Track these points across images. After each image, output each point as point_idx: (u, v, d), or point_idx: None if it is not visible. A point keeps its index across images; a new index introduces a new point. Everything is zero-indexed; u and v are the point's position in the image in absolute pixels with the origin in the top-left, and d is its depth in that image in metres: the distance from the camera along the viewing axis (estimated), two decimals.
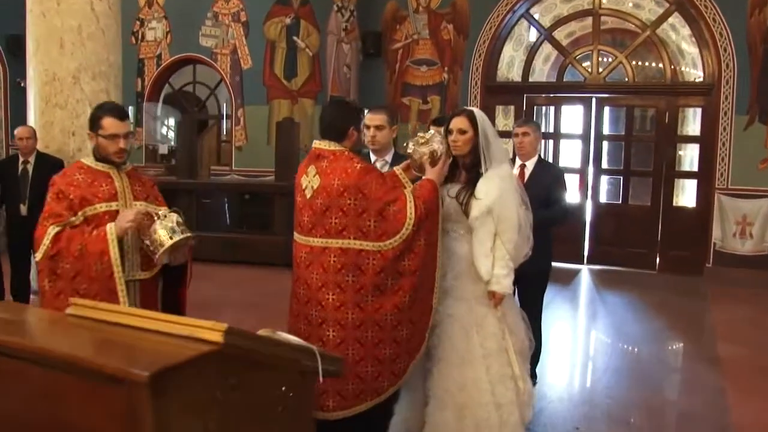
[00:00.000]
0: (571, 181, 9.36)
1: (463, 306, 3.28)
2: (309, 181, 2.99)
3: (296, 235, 3.07)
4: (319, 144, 3.04)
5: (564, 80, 9.49)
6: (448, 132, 3.37)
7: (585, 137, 9.16)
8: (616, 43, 10.07)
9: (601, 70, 9.12)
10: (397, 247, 2.89)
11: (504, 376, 3.23)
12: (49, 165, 5.42)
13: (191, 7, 9.98)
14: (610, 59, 9.31)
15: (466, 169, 3.37)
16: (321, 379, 2.29)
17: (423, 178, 3.12)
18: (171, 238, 2.70)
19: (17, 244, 5.48)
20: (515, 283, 4.33)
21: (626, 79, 9.31)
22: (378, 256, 2.88)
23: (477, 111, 3.34)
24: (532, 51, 9.62)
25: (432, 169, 3.17)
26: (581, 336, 6.19)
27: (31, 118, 5.91)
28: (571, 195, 9.41)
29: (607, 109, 9.40)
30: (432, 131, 3.31)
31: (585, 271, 8.74)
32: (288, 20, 9.55)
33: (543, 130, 10.28)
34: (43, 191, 5.35)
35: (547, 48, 10.36)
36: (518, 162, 4.45)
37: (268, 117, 9.68)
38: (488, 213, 3.22)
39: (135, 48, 10.47)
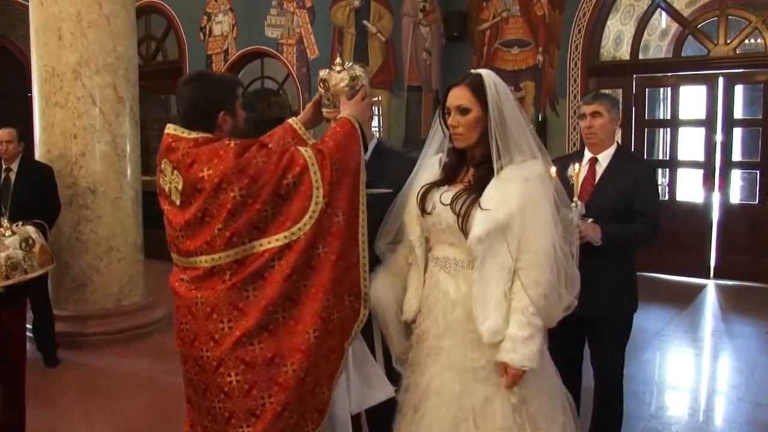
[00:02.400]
0: (694, 178, 7.78)
1: (455, 380, 2.11)
2: (170, 182, 2.14)
3: (175, 258, 2.22)
4: (173, 130, 2.16)
5: (682, 55, 7.85)
6: (444, 112, 2.21)
7: (710, 123, 7.50)
8: (751, 6, 8.23)
9: (730, 39, 7.41)
10: (309, 232, 2.08)
11: None
12: (35, 173, 4.73)
13: None
14: (742, 26, 7.55)
15: (476, 164, 2.19)
16: None
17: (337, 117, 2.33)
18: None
19: None
20: (583, 328, 3.11)
21: (764, 50, 7.53)
22: (287, 252, 2.07)
23: (486, 75, 2.15)
24: (643, 23, 8.03)
25: (349, 101, 2.32)
26: (698, 383, 4.70)
27: (36, 121, 5.25)
28: (692, 194, 7.85)
29: (738, 88, 7.68)
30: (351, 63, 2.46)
31: (710, 287, 7.10)
32: (357, 2, 8.53)
33: (659, 116, 8.76)
34: (27, 202, 4.72)
35: (665, 20, 8.76)
36: (587, 155, 3.15)
37: None
38: (501, 233, 2.03)
39: (203, 45, 9.87)
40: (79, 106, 5.05)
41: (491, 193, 2.07)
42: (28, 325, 5.05)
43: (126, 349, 5.02)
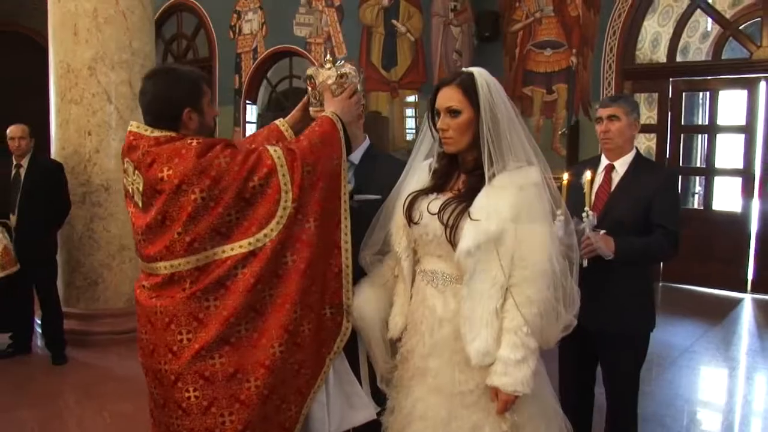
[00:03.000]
0: (732, 186, 7.45)
1: (442, 405, 1.95)
2: (132, 182, 2.02)
3: (140, 263, 2.10)
4: (135, 128, 2.03)
5: (723, 58, 7.51)
6: (433, 114, 2.05)
7: (750, 129, 7.16)
8: None
9: None
10: (276, 239, 1.94)
11: None
12: (45, 170, 4.67)
13: None
14: None
15: (467, 171, 2.02)
16: None
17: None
18: None
19: None
20: (595, 349, 2.90)
21: None
22: (251, 260, 1.92)
23: (479, 74, 1.99)
24: (681, 24, 7.71)
25: (334, 98, 2.18)
26: (729, 406, 4.41)
27: (51, 117, 5.22)
28: (730, 203, 7.52)
29: None
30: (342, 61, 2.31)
31: (747, 302, 6.76)
32: (386, 1, 8.38)
33: (697, 122, 8.44)
34: (36, 199, 4.64)
35: (704, 21, 8.43)
36: (603, 161, 2.94)
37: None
38: (492, 246, 1.86)
39: (233, 43, 9.83)
40: (94, 103, 5.01)
41: (482, 202, 1.90)
42: (37, 321, 5.04)
43: (135, 349, 4.90)
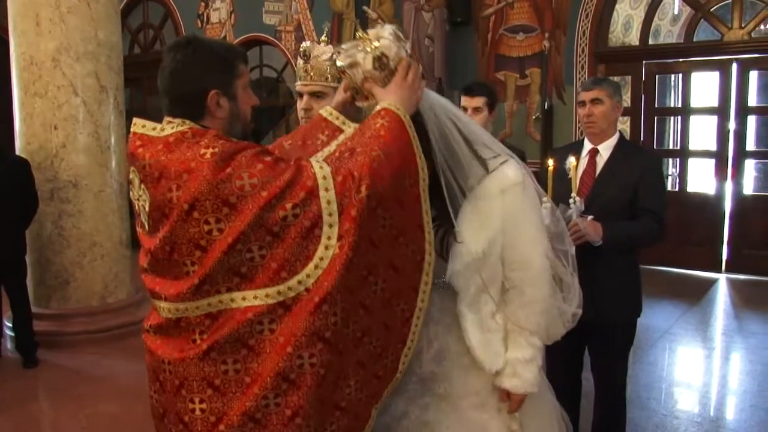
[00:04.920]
0: (706, 168, 7.51)
1: (449, 411, 1.87)
2: (138, 198, 1.59)
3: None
4: (140, 128, 1.58)
5: (694, 40, 7.54)
6: None
7: (723, 111, 7.20)
8: None
9: (745, 23, 7.10)
10: (315, 288, 1.45)
11: None
12: (9, 167, 4.49)
13: None
14: (757, 9, 7.23)
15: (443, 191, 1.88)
16: None
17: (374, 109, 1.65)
18: None
19: None
20: (583, 334, 2.86)
21: None
22: (282, 315, 1.46)
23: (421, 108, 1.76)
24: (653, 7, 7.73)
25: (384, 88, 1.65)
26: (707, 388, 4.43)
27: (15, 111, 5.04)
28: (704, 184, 7.58)
29: (753, 74, 7.41)
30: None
31: (722, 282, 6.83)
32: None
33: (669, 104, 8.47)
34: (2, 198, 4.44)
35: (677, 5, 8.46)
36: (587, 146, 2.91)
37: None
38: (481, 261, 1.77)
39: (201, 32, 9.63)
40: (60, 96, 4.84)
41: (466, 220, 1.77)
42: (8, 324, 4.88)
43: (110, 348, 4.82)
